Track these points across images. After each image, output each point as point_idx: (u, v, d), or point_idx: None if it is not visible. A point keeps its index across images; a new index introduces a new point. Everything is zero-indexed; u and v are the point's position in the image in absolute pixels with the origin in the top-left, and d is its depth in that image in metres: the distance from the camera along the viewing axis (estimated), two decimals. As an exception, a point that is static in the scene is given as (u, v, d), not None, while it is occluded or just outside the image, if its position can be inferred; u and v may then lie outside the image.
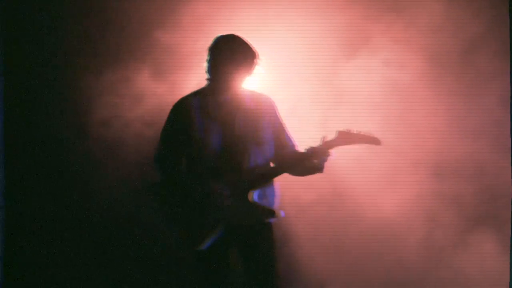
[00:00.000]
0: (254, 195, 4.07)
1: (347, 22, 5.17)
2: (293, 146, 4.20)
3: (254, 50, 4.12)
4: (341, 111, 5.16)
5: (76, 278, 5.36)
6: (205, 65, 4.14)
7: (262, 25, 5.06)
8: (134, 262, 5.37)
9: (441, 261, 5.26)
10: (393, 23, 5.17)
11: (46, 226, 5.34)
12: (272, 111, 4.19)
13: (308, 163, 4.05)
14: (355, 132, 4.01)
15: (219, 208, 4.04)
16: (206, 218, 4.06)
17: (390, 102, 5.18)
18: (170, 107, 4.21)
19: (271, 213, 4.08)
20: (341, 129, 4.02)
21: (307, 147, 4.03)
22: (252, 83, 4.21)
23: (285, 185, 4.32)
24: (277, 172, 4.12)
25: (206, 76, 4.14)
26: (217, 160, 4.07)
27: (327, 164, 4.05)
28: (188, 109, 4.12)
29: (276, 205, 4.15)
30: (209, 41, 4.15)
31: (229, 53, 4.07)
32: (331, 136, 4.02)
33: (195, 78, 5.00)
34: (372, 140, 4.02)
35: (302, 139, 4.16)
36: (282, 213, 4.11)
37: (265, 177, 4.09)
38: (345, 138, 4.00)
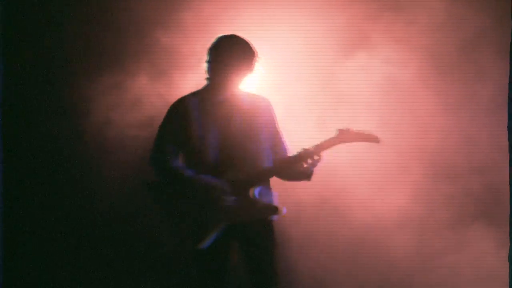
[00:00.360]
0: (255, 192, 4.09)
1: (346, 22, 5.17)
2: (285, 151, 4.24)
3: (254, 50, 4.15)
4: (340, 111, 5.17)
5: (76, 278, 5.35)
6: (204, 65, 4.16)
7: (261, 25, 5.06)
8: (134, 262, 5.37)
9: (441, 261, 5.26)
10: (393, 23, 5.17)
11: (45, 227, 5.34)
12: (268, 113, 4.23)
13: (297, 167, 4.10)
14: (355, 130, 4.07)
15: (220, 206, 4.05)
16: (207, 216, 4.06)
17: (389, 101, 5.19)
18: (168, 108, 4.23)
19: (273, 209, 4.11)
20: (341, 127, 4.07)
21: (299, 149, 4.08)
22: (251, 83, 4.23)
23: (285, 185, 4.33)
24: (271, 172, 4.16)
25: (205, 76, 4.17)
26: (215, 157, 4.09)
27: (316, 171, 4.12)
28: (187, 108, 4.14)
29: (276, 203, 4.17)
30: (208, 42, 4.17)
31: (229, 53, 4.10)
32: (331, 134, 4.07)
33: (194, 78, 4.99)
34: (371, 138, 4.09)
35: (301, 139, 4.18)
36: (284, 210, 4.12)
37: (262, 175, 4.12)
38: (345, 136, 4.07)
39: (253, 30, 4.37)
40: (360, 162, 5.16)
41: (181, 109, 4.15)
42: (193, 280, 4.26)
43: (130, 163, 5.26)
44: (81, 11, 5.28)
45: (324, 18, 5.17)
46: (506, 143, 4.90)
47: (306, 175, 4.17)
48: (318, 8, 5.17)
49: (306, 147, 4.07)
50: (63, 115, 5.32)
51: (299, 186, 4.39)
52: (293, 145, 4.21)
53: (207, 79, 4.17)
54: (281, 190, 4.26)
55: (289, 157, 4.13)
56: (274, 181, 4.27)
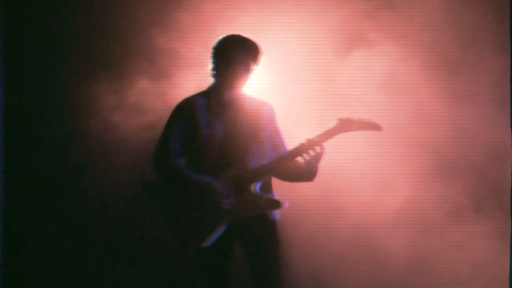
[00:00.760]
0: (256, 187, 4.09)
1: (345, 21, 5.18)
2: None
3: (258, 46, 4.19)
4: (340, 111, 5.14)
5: (76, 278, 5.33)
6: (209, 66, 4.20)
7: (260, 25, 5.06)
8: (134, 262, 5.34)
9: (441, 261, 5.24)
10: (390, 21, 5.19)
11: (46, 229, 5.32)
12: (270, 116, 4.27)
13: (300, 164, 4.11)
14: (355, 118, 4.06)
15: (222, 204, 4.05)
16: (210, 214, 4.05)
17: (389, 100, 5.18)
18: (171, 109, 4.25)
19: (275, 203, 4.10)
20: (341, 116, 4.07)
21: (301, 140, 4.07)
22: (251, 83, 4.25)
23: (285, 185, 4.34)
24: (273, 166, 4.14)
25: (210, 76, 4.21)
26: (219, 156, 4.12)
27: (319, 171, 4.10)
28: (193, 107, 4.18)
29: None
30: (208, 43, 4.23)
31: (235, 53, 4.14)
32: (332, 124, 4.08)
33: (195, 79, 5.02)
34: (372, 126, 4.08)
35: (300, 139, 4.15)
36: (286, 203, 4.11)
37: (264, 170, 4.12)
38: (346, 125, 4.07)
39: (252, 31, 4.38)
40: (360, 162, 5.15)
41: (189, 109, 4.18)
42: (196, 280, 4.24)
43: (130, 163, 5.26)
44: (82, 14, 5.30)
45: (323, 18, 5.18)
46: (509, 140, 4.93)
47: (310, 174, 4.16)
48: (317, 8, 5.19)
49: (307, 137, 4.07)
50: (64, 115, 5.33)
51: (299, 186, 4.39)
52: (293, 145, 4.19)
53: (213, 79, 4.20)
54: (281, 190, 4.26)
55: (291, 150, 4.13)
56: (275, 181, 4.28)
